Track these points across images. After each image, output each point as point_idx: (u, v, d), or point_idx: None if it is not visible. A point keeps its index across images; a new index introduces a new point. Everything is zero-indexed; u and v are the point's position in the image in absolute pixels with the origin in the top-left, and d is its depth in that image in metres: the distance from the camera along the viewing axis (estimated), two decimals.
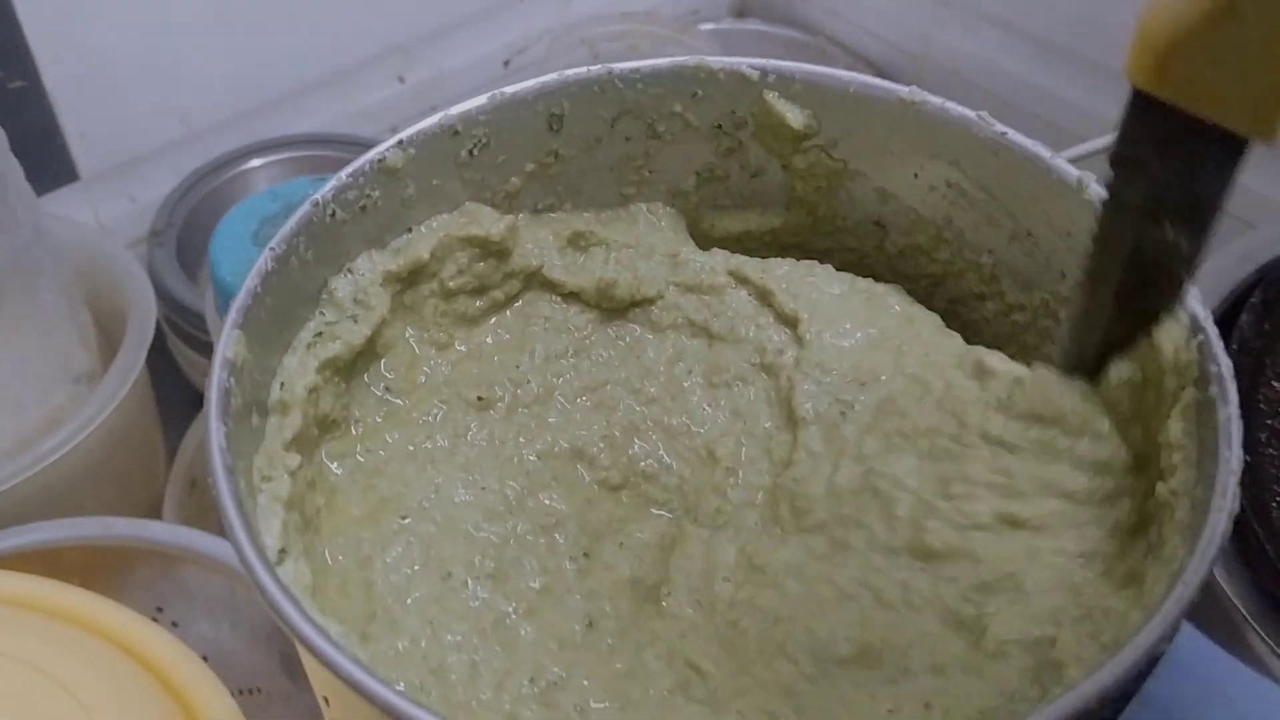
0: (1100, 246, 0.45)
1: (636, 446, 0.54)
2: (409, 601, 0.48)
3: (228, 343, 0.46)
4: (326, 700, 0.45)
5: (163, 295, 0.92)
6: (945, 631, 0.46)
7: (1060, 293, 0.54)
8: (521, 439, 0.53)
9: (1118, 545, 0.47)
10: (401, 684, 0.45)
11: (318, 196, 0.51)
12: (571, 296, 0.57)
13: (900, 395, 0.52)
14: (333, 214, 0.51)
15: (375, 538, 0.50)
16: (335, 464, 0.51)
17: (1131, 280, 0.44)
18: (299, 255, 0.50)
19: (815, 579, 0.48)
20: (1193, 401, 0.45)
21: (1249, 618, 0.60)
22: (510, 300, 0.57)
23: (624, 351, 0.56)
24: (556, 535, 0.51)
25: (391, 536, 0.50)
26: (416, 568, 0.49)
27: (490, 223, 0.55)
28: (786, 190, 0.60)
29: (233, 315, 0.47)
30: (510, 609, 0.48)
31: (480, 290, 0.56)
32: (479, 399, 0.54)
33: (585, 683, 0.45)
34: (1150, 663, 0.40)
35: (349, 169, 0.52)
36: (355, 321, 0.52)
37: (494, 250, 0.56)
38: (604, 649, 0.47)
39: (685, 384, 0.55)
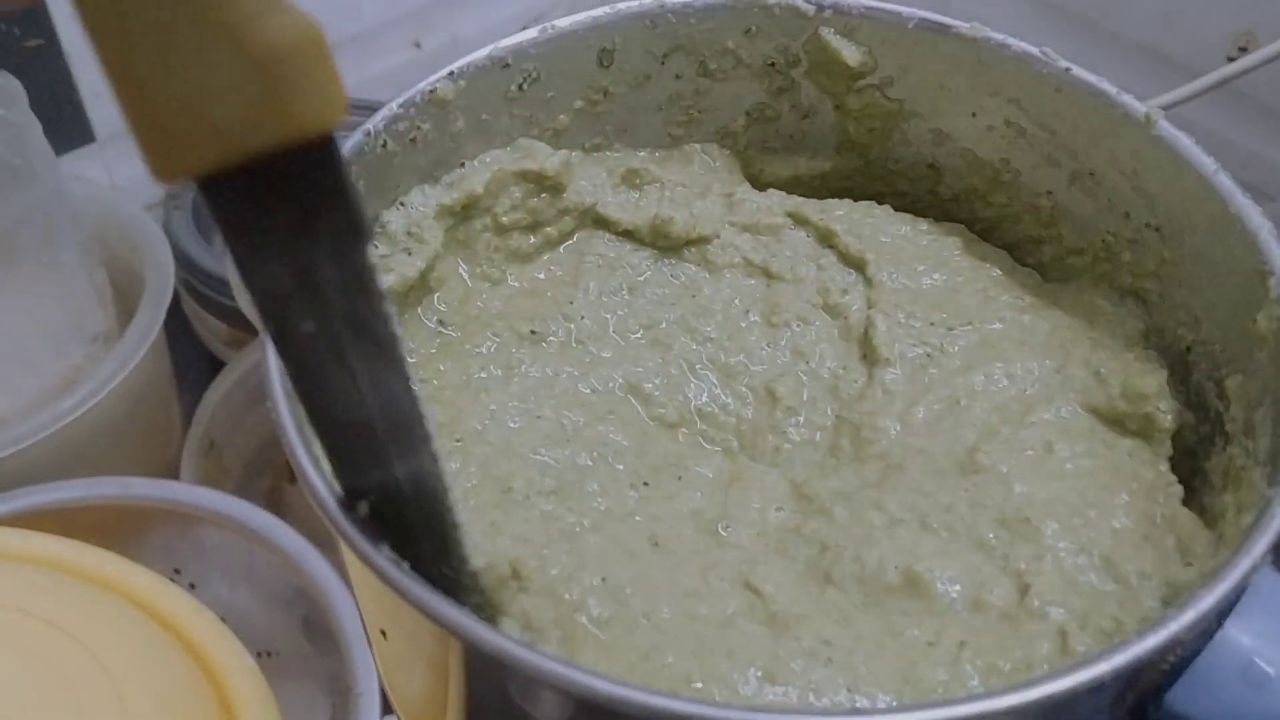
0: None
1: (693, 385, 0.53)
2: (469, 504, 0.46)
3: None
4: (384, 633, 0.43)
5: (179, 258, 0.91)
6: (988, 566, 0.45)
7: (1123, 234, 0.53)
8: (576, 373, 0.52)
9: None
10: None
11: (369, 126, 0.50)
12: (626, 234, 0.56)
13: (999, 339, 0.52)
14: (384, 144, 0.50)
15: None
16: None
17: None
18: None
19: (864, 505, 0.47)
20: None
21: None
22: (564, 237, 0.56)
23: (680, 290, 0.55)
24: (616, 464, 0.50)
25: (447, 454, 0.48)
26: (474, 483, 0.47)
27: (544, 158, 0.54)
28: (839, 132, 0.59)
29: None
30: (576, 521, 0.47)
31: (534, 226, 0.55)
32: (532, 333, 0.53)
33: (652, 593, 0.44)
34: (1232, 600, 0.39)
35: (400, 99, 0.51)
36: (409, 254, 0.51)
37: (548, 186, 0.55)
38: (671, 565, 0.46)
39: (743, 324, 0.54)
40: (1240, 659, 0.41)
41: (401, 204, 0.52)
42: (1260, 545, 0.39)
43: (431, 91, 0.52)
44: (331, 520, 0.38)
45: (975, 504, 0.46)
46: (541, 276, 0.55)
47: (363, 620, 0.63)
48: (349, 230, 0.31)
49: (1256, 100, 0.87)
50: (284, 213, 0.30)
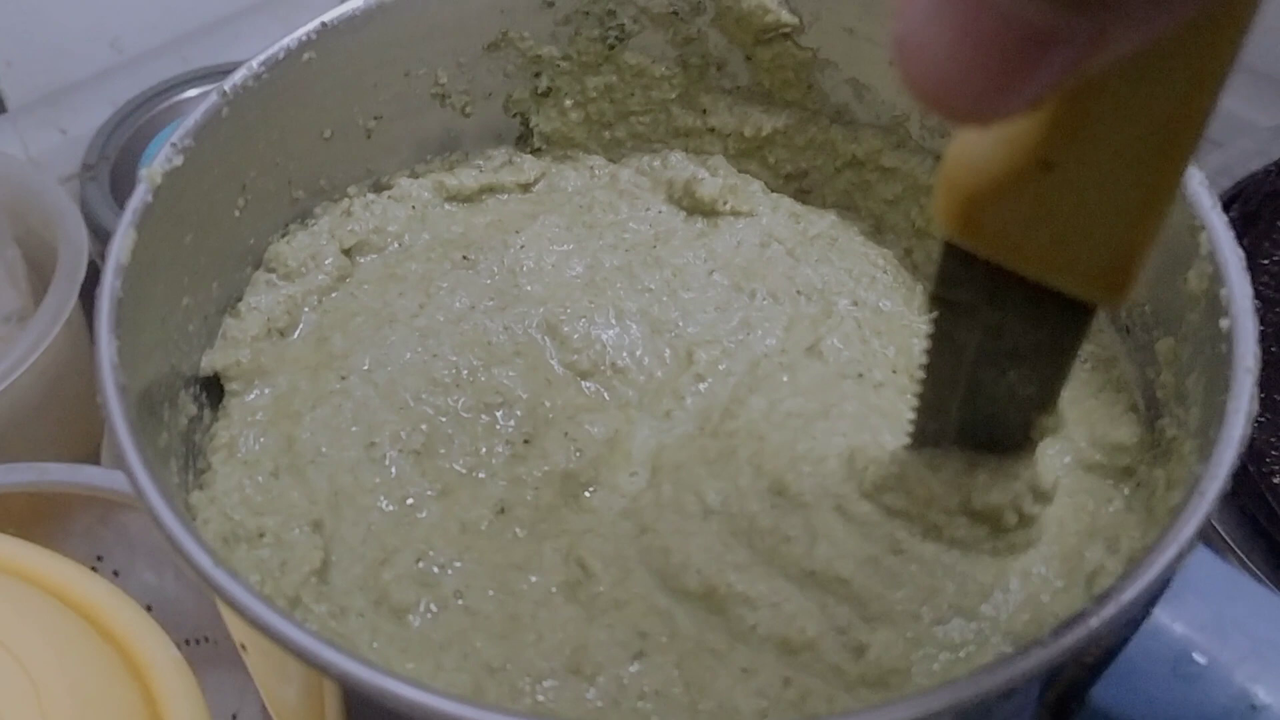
0: (932, 378, 0.39)
1: (614, 334, 0.51)
2: (322, 458, 0.46)
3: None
4: (244, 647, 0.41)
5: (96, 232, 0.88)
6: (795, 591, 0.42)
7: None
8: (495, 306, 0.51)
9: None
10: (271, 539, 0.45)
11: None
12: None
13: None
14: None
15: (311, 391, 0.48)
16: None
17: (973, 417, 0.39)
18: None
19: (686, 488, 0.45)
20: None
21: (1243, 556, 0.58)
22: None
23: (646, 238, 0.54)
24: (499, 415, 0.48)
25: (325, 396, 0.48)
26: (346, 431, 0.47)
27: None
28: (753, 85, 0.56)
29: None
30: (424, 489, 0.46)
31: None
32: (464, 258, 0.52)
33: (474, 568, 0.43)
34: (1161, 586, 0.36)
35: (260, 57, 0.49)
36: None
37: None
38: (507, 538, 0.45)
39: (703, 282, 0.52)
40: (1172, 649, 0.38)
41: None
42: (1189, 527, 0.36)
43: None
44: (168, 535, 0.36)
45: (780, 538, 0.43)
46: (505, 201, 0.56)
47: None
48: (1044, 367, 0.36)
49: None
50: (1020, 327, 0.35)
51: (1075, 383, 0.46)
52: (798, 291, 0.52)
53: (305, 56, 0.49)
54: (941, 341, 0.37)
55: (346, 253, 0.53)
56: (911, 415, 0.41)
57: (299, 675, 0.38)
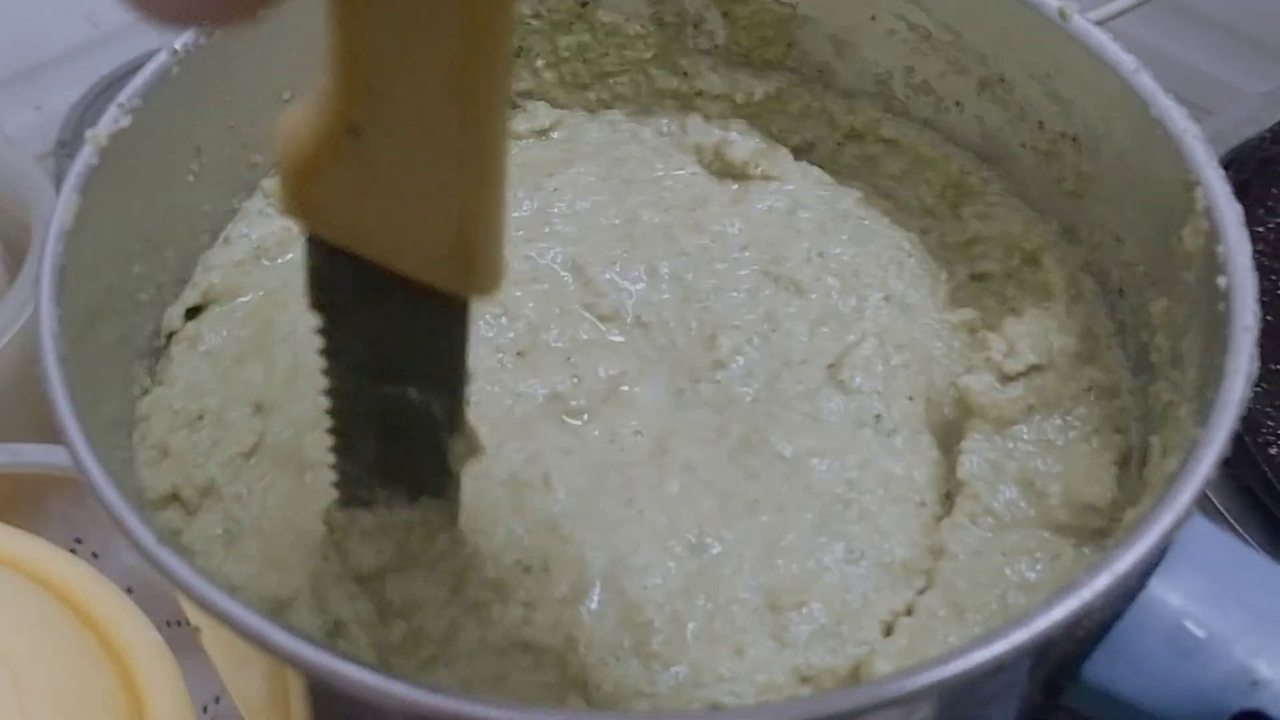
0: (339, 405, 0.37)
1: (643, 290, 0.50)
2: (293, 336, 0.47)
3: None
4: (199, 630, 0.40)
5: None
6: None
7: (1037, 146, 0.49)
8: (523, 236, 0.50)
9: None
10: None
11: None
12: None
13: None
14: None
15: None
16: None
17: (393, 453, 0.38)
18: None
19: (688, 504, 0.44)
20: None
21: (1239, 529, 0.57)
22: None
23: (686, 200, 0.53)
24: (502, 321, 0.48)
25: None
26: None
27: None
28: (730, 44, 0.55)
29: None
30: None
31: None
32: None
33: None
34: (1156, 557, 0.35)
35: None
36: None
37: None
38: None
39: (735, 258, 0.51)
40: (1167, 622, 0.37)
41: None
42: (1186, 495, 0.35)
43: None
44: (112, 515, 0.35)
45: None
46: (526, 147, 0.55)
47: None
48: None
49: (1192, 12, 0.84)
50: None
51: (1071, 419, 0.45)
52: (828, 276, 0.50)
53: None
54: (332, 357, 0.35)
55: None
56: (331, 459, 0.39)
57: (256, 661, 0.37)
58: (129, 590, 0.61)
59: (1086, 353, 0.47)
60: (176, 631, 0.71)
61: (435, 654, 0.40)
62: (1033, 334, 0.46)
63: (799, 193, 0.52)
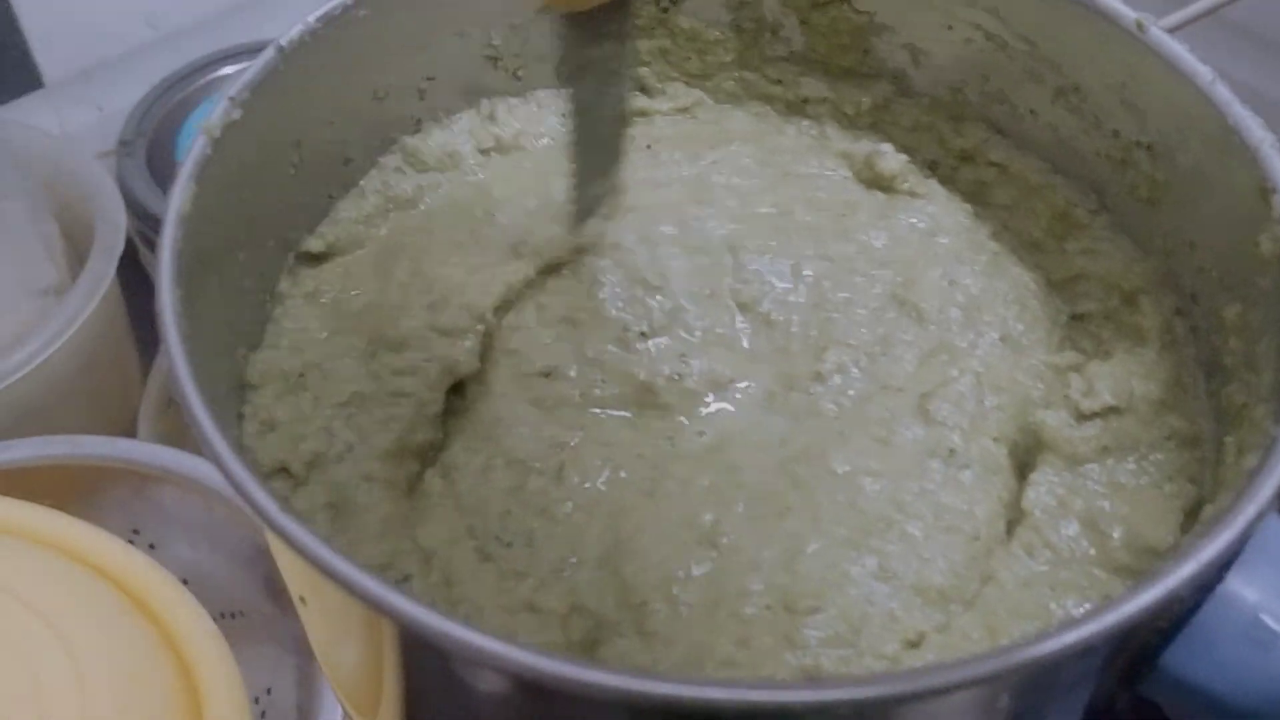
0: (582, 145, 0.49)
1: (785, 286, 0.50)
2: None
3: None
4: (303, 600, 0.41)
5: (133, 207, 0.87)
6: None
7: (1112, 155, 0.49)
8: (687, 195, 0.52)
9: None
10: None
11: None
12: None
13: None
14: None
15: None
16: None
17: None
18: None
19: (725, 502, 0.44)
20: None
21: None
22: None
23: (834, 195, 0.53)
24: (657, 299, 0.49)
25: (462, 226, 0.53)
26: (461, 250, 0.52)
27: None
28: (807, 50, 0.56)
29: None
30: None
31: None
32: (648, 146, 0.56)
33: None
34: (1235, 551, 0.35)
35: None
36: None
37: None
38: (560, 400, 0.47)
39: (875, 276, 0.51)
40: (1244, 616, 0.38)
41: None
42: (1266, 489, 0.35)
43: None
44: (234, 482, 0.35)
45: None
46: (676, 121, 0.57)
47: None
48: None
49: (1251, 32, 0.84)
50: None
51: (1147, 464, 0.45)
52: (952, 307, 0.49)
53: (361, 13, 0.49)
54: (580, 114, 0.48)
55: (485, 153, 0.55)
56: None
57: (359, 620, 0.38)
58: (184, 582, 0.61)
59: (1171, 400, 0.46)
60: (230, 623, 0.72)
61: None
62: (1115, 376, 0.46)
63: (941, 215, 0.52)
